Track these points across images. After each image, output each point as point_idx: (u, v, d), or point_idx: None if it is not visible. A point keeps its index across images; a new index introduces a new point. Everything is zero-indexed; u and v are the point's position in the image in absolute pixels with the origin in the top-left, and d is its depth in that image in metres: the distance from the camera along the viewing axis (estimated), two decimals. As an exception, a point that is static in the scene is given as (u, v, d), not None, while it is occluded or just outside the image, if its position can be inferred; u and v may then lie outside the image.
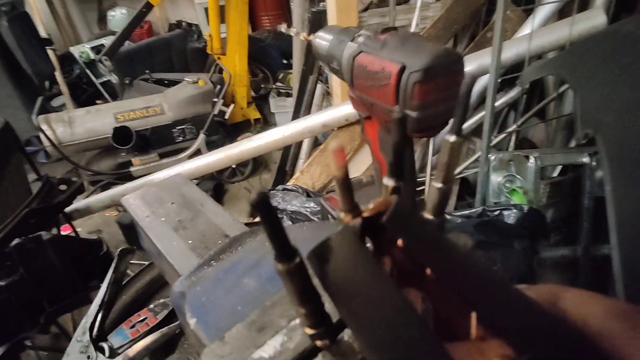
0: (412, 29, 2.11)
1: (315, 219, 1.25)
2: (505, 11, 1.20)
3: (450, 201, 1.97)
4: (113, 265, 0.60)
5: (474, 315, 0.18)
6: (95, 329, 0.55)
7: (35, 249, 0.98)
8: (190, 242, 0.49)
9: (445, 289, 0.18)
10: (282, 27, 0.69)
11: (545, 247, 1.64)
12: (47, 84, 4.22)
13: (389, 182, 0.19)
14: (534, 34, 1.41)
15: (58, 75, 3.88)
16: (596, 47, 1.00)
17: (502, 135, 1.76)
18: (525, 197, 1.38)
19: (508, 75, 1.83)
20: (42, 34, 3.85)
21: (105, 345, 0.53)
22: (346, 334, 0.20)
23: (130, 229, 2.58)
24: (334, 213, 0.59)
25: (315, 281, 0.17)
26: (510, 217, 1.05)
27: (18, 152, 1.80)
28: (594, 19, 1.42)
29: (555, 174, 1.83)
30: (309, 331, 0.18)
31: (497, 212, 1.07)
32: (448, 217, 1.06)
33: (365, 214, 0.18)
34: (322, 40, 0.50)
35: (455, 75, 0.41)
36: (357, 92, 0.47)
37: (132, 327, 0.58)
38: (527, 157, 1.48)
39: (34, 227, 1.23)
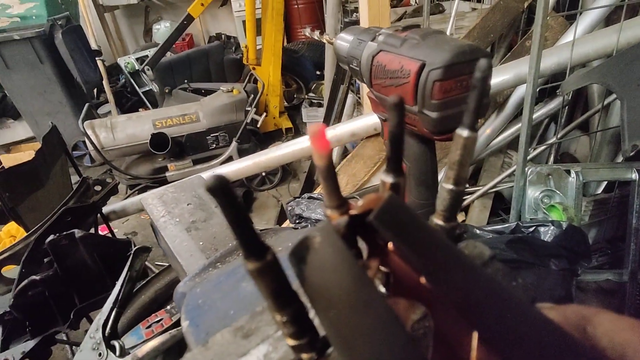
0: (447, 38, 2.07)
1: (339, 229, 1.23)
2: (546, 17, 1.14)
3: (482, 216, 1.88)
4: (128, 263, 0.61)
5: (475, 335, 0.15)
6: (108, 327, 0.56)
7: (68, 245, 1.02)
8: (201, 243, 0.48)
9: (443, 301, 0.16)
10: (306, 31, 0.69)
11: (587, 269, 1.52)
12: (94, 92, 4.50)
13: (386, 177, 0.17)
14: (578, 42, 1.33)
15: (105, 84, 4.12)
16: (647, 53, 0.93)
17: (541, 148, 1.67)
18: (564, 214, 1.29)
19: (548, 84, 1.74)
20: (93, 45, 4.12)
21: (116, 344, 0.54)
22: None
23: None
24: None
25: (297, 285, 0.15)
26: (548, 234, 0.98)
27: (64, 155, 1.92)
28: (646, 25, 1.32)
29: (599, 191, 1.70)
30: (291, 342, 0.16)
31: (532, 229, 1.00)
32: (477, 231, 1.00)
33: (353, 212, 0.16)
34: (343, 41, 0.49)
35: (480, 74, 0.38)
36: (375, 93, 0.45)
37: (148, 327, 0.59)
38: (568, 172, 1.39)
39: (71, 225, 1.29)
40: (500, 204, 2.09)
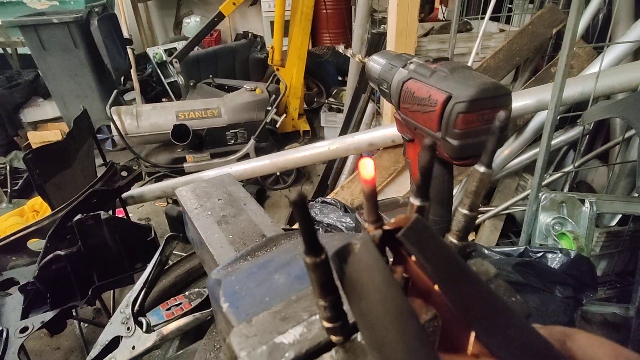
0: (472, 57, 2.09)
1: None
2: (572, 47, 1.16)
3: (492, 237, 1.89)
4: (160, 249, 0.66)
5: (473, 334, 0.19)
6: (137, 305, 0.60)
7: (93, 225, 1.08)
8: (230, 236, 0.52)
9: (450, 305, 0.19)
10: (340, 48, 0.73)
11: (594, 300, 1.52)
12: (122, 79, 4.63)
13: (414, 201, 0.21)
14: (603, 73, 1.34)
15: (133, 72, 4.24)
16: (670, 93, 0.94)
17: (557, 175, 1.67)
18: (575, 242, 1.30)
19: (570, 112, 1.75)
20: (125, 34, 4.25)
21: (143, 320, 0.58)
22: (360, 336, 0.21)
23: (175, 221, 2.73)
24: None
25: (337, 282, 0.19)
26: (555, 261, 1.00)
27: (91, 138, 1.99)
28: (673, 63, 1.32)
29: (613, 223, 1.70)
30: (326, 324, 0.20)
31: (540, 254, 1.01)
32: (486, 251, 1.02)
33: (386, 227, 0.20)
34: (375, 63, 0.53)
35: (501, 108, 0.41)
36: (402, 115, 0.49)
37: (168, 309, 0.63)
38: (582, 201, 1.39)
39: (95, 206, 1.35)
40: (511, 226, 2.09)
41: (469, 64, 2.07)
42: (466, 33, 2.36)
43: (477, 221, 1.87)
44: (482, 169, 0.21)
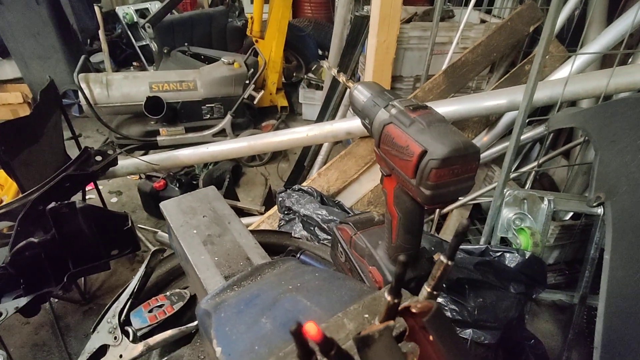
0: (452, 47, 2.12)
1: (325, 227, 1.31)
2: (545, 56, 1.21)
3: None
4: (146, 261, 0.67)
5: None
6: (123, 315, 0.62)
7: (68, 214, 1.07)
8: (216, 258, 0.55)
9: None
10: (325, 64, 0.74)
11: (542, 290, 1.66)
12: (88, 39, 4.35)
13: (388, 297, 0.25)
14: (571, 80, 1.41)
15: (101, 33, 3.98)
16: (628, 111, 1.01)
17: (520, 173, 1.77)
18: (531, 238, 1.40)
19: (538, 114, 1.83)
20: (92, -10, 3.95)
21: (130, 330, 0.61)
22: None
23: (148, 196, 2.69)
24: (345, 244, 0.64)
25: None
26: (512, 260, 1.09)
27: (58, 110, 1.90)
28: (635, 74, 1.41)
29: (567, 217, 1.84)
30: None
31: (499, 254, 1.10)
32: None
33: (413, 310, 0.24)
34: (360, 94, 0.55)
35: (470, 164, 0.45)
36: (381, 154, 0.52)
37: (150, 311, 0.66)
38: (542, 199, 1.50)
39: (67, 190, 1.33)
40: (477, 213, 2.21)
41: (449, 56, 2.09)
42: (448, 22, 2.37)
43: (445, 210, 1.97)
44: (444, 260, 0.25)
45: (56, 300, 2.03)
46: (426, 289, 0.26)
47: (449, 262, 0.25)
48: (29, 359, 1.78)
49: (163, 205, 0.66)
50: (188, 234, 0.59)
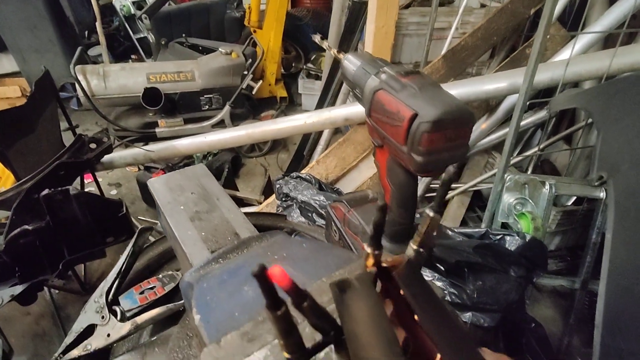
0: (451, 32, 2.08)
1: (323, 212, 1.30)
2: (546, 36, 1.18)
3: (459, 212, 1.98)
4: (133, 240, 0.66)
5: (439, 355, 0.23)
6: (111, 294, 0.61)
7: (62, 200, 1.06)
8: (203, 234, 0.54)
9: (423, 328, 0.23)
10: (316, 38, 0.72)
11: (544, 275, 1.64)
12: (86, 33, 4.32)
13: (368, 249, 0.23)
14: (573, 60, 1.38)
15: (98, 25, 3.94)
16: (631, 89, 0.99)
17: (520, 158, 1.75)
18: (532, 223, 1.39)
19: (539, 98, 1.80)
20: (88, -18, 3.91)
21: (117, 309, 0.60)
22: (317, 359, 0.24)
23: (147, 188, 2.68)
24: (338, 222, 0.63)
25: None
26: (512, 243, 1.08)
27: (54, 101, 1.89)
28: (638, 54, 1.37)
29: (569, 203, 1.82)
30: (287, 355, 0.22)
31: (499, 237, 1.09)
32: (450, 232, 1.09)
33: (384, 265, 0.23)
34: (351, 64, 0.53)
35: (463, 128, 0.43)
36: (372, 123, 0.50)
37: (142, 293, 0.65)
38: (543, 183, 1.47)
39: (62, 178, 1.32)
40: (478, 201, 2.19)
41: (448, 40, 2.06)
42: (447, 7, 2.33)
43: (446, 197, 1.95)
44: (431, 213, 0.23)
45: (56, 291, 2.03)
46: (412, 246, 0.25)
47: (436, 215, 0.23)
48: (31, 349, 1.79)
49: (150, 182, 0.65)
50: (175, 211, 0.58)
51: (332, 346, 0.25)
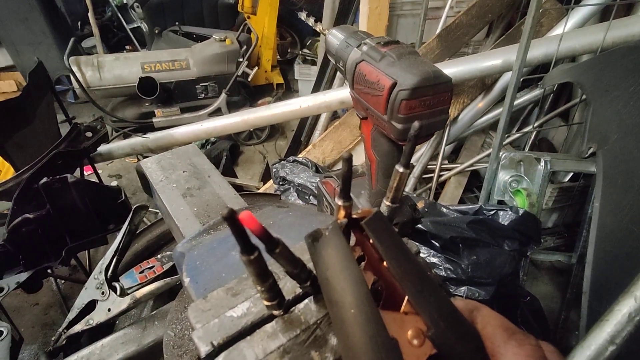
0: (445, 11, 2.06)
1: (320, 194, 1.31)
2: (539, 10, 1.17)
3: (456, 192, 2.00)
4: (129, 218, 0.67)
5: (406, 298, 0.24)
6: (110, 271, 0.63)
7: (60, 188, 1.08)
8: (195, 209, 0.55)
9: (392, 275, 0.25)
10: (302, 16, 0.72)
11: (541, 249, 1.67)
12: (78, 24, 4.27)
13: (339, 201, 0.25)
14: (567, 35, 1.37)
15: (91, 16, 3.91)
16: (622, 59, 0.99)
17: (517, 135, 1.75)
18: (527, 199, 1.40)
19: (536, 74, 1.79)
20: (78, -28, 3.85)
21: (117, 285, 0.62)
22: (297, 309, 0.26)
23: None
24: (329, 197, 0.64)
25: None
26: (505, 218, 1.09)
27: (50, 92, 1.89)
28: (633, 26, 1.36)
29: (566, 180, 1.82)
30: (266, 303, 0.24)
31: (493, 212, 1.10)
32: (444, 210, 1.10)
33: (354, 216, 0.24)
34: (334, 38, 0.53)
35: (441, 95, 0.44)
36: (355, 95, 0.51)
37: (141, 272, 0.67)
38: (538, 160, 1.48)
39: (60, 168, 1.33)
40: (475, 181, 2.20)
41: (443, 19, 2.04)
42: (442, -15, 2.29)
43: (443, 178, 1.96)
44: (401, 169, 0.25)
45: (63, 281, 2.07)
46: (385, 202, 0.26)
47: (405, 171, 0.24)
48: (40, 338, 1.84)
49: (143, 163, 0.66)
50: (168, 188, 0.59)
51: (311, 297, 0.26)
